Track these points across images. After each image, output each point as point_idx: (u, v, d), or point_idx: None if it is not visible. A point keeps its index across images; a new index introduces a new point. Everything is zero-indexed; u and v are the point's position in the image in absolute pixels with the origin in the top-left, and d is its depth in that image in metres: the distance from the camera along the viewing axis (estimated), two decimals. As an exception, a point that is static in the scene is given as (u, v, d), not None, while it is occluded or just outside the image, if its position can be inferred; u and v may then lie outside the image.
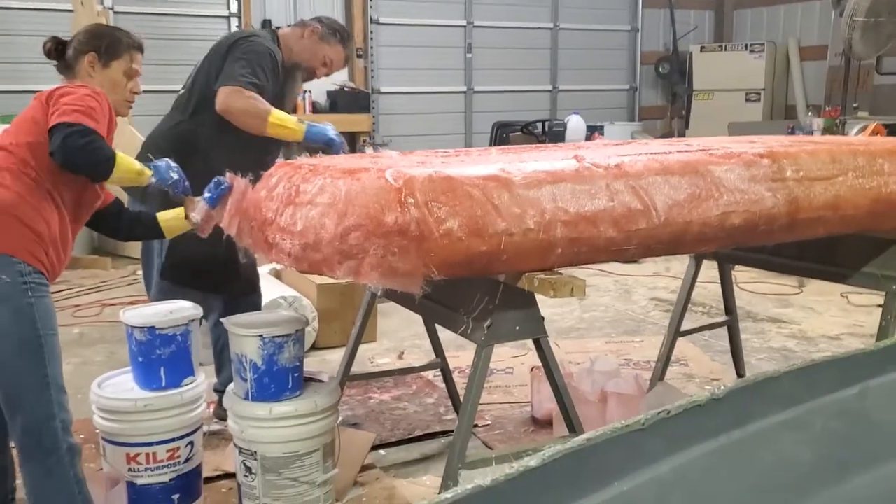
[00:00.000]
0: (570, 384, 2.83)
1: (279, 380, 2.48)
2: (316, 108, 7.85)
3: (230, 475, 2.78)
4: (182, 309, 2.66)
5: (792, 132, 6.76)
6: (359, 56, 8.33)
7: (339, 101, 7.93)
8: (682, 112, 9.88)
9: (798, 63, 9.31)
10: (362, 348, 3.55)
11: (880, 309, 2.97)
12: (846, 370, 1.10)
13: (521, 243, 2.01)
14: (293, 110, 3.47)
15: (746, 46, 9.36)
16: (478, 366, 2.25)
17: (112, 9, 7.02)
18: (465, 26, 8.90)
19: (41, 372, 2.10)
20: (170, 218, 2.52)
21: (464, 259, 1.95)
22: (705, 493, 0.89)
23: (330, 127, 3.08)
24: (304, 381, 2.59)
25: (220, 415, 3.26)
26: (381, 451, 3.18)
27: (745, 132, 5.57)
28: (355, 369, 3.22)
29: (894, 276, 2.85)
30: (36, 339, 2.09)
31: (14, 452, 2.65)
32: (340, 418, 2.72)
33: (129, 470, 2.55)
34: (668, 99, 10.23)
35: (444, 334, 3.23)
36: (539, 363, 2.51)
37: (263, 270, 4.89)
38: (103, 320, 4.92)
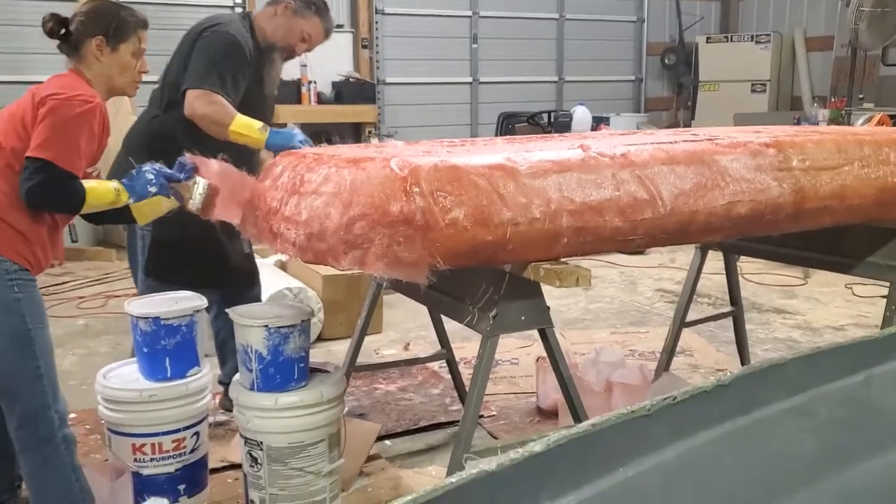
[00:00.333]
0: (575, 375, 2.83)
1: (285, 370, 2.49)
2: (321, 99, 7.84)
3: (236, 466, 2.79)
4: (187, 299, 2.67)
5: (797, 123, 6.74)
6: (364, 46, 8.31)
7: (344, 92, 7.91)
8: (688, 103, 9.84)
9: (804, 54, 9.25)
10: (368, 339, 3.55)
11: (885, 300, 2.97)
12: (851, 357, 1.10)
13: (527, 233, 2.00)
14: (275, 93, 3.36)
15: (752, 37, 9.31)
16: (483, 356, 2.25)
17: None
18: (470, 16, 8.87)
19: (33, 364, 2.13)
20: (142, 204, 2.42)
21: (469, 249, 1.95)
22: (711, 479, 0.89)
23: (296, 132, 3.01)
24: (310, 372, 2.59)
25: (226, 406, 3.27)
26: (387, 442, 3.19)
27: (750, 123, 5.55)
28: (361, 360, 3.23)
29: (900, 266, 2.84)
30: (25, 332, 2.13)
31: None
32: (346, 409, 2.72)
33: (135, 460, 2.56)
34: (674, 90, 10.19)
35: (450, 325, 3.24)
36: (544, 354, 2.51)
37: (268, 261, 4.91)
38: (108, 312, 4.94)
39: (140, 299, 2.70)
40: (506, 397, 3.66)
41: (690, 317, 3.54)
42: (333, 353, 4.08)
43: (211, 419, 2.92)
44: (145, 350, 2.58)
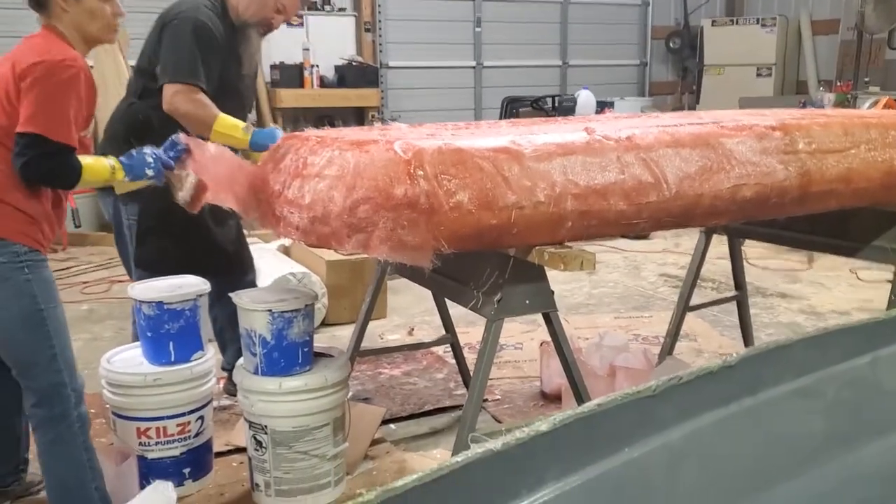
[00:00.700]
0: (579, 359, 2.83)
1: (289, 355, 2.49)
2: (324, 83, 7.81)
3: (241, 450, 2.80)
4: (190, 284, 2.67)
5: (803, 107, 6.70)
6: (367, 30, 8.27)
7: (347, 76, 7.88)
8: (693, 87, 9.79)
9: (810, 37, 9.19)
10: (372, 324, 3.56)
11: (889, 284, 2.96)
12: (858, 339, 1.10)
13: (532, 216, 1.99)
14: (255, 72, 3.29)
15: (758, 20, 9.24)
16: (488, 340, 2.25)
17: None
18: (473, 0, 8.82)
19: (47, 344, 2.14)
20: (120, 178, 2.37)
21: (474, 232, 1.94)
22: (716, 459, 0.89)
23: (279, 132, 2.94)
24: (314, 357, 2.60)
25: (230, 390, 3.27)
26: (392, 426, 3.19)
27: (756, 107, 5.52)
28: (365, 345, 3.23)
29: (906, 250, 2.83)
30: (38, 313, 2.14)
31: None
32: (351, 393, 2.73)
33: (140, 444, 2.57)
34: (679, 74, 10.13)
35: (454, 310, 3.23)
36: (548, 338, 2.51)
37: (272, 246, 4.91)
38: (112, 296, 4.95)
39: (143, 284, 2.70)
40: (510, 381, 3.67)
41: (694, 301, 3.53)
42: (337, 337, 4.08)
43: (215, 403, 2.93)
44: (149, 334, 2.59)
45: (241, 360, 2.61)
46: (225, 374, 3.34)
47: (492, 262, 2.24)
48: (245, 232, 3.66)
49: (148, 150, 2.34)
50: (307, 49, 7.67)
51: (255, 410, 2.51)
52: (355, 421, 2.76)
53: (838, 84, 7.65)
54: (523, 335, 4.19)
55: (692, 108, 9.26)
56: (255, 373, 2.51)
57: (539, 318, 2.41)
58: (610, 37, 9.73)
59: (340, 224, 1.93)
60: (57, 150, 2.11)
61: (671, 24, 10.07)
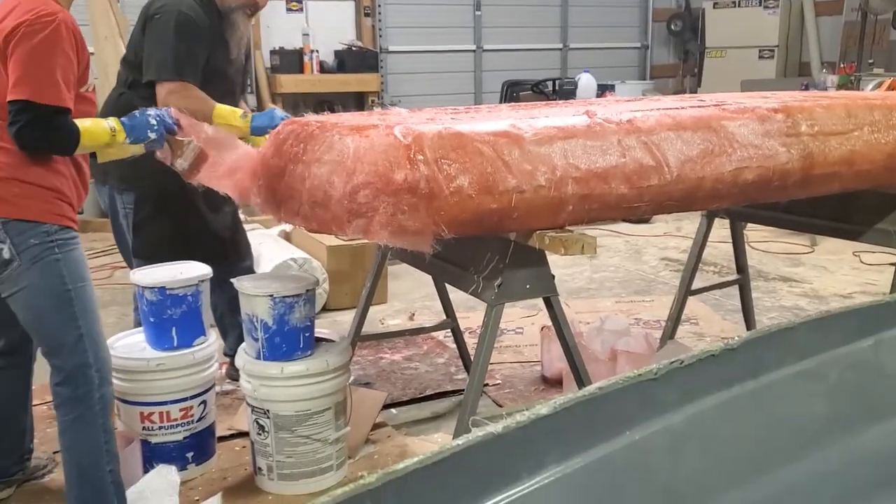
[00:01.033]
0: (580, 343, 2.83)
1: (290, 339, 2.50)
2: (323, 68, 7.78)
3: (243, 434, 2.81)
4: (192, 269, 2.67)
5: (806, 89, 6.66)
6: (366, 15, 8.22)
7: (347, 61, 7.85)
8: (695, 70, 9.73)
9: (813, 18, 9.12)
10: (373, 310, 3.56)
11: (893, 267, 2.95)
12: (861, 322, 1.09)
13: (532, 200, 1.99)
14: (244, 56, 3.22)
15: (760, 2, 9.17)
16: (488, 324, 2.25)
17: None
18: (473, -17, 8.77)
19: (74, 324, 2.13)
20: (121, 140, 2.25)
21: (474, 217, 1.94)
22: (718, 442, 0.89)
23: (276, 112, 2.93)
24: (316, 342, 2.60)
25: (233, 375, 3.28)
26: (393, 410, 3.20)
27: (758, 90, 5.49)
28: (366, 330, 3.23)
29: (908, 233, 2.83)
30: (66, 293, 2.12)
31: (35, 412, 2.70)
32: (352, 378, 2.73)
33: (144, 429, 2.58)
34: (681, 57, 10.07)
35: (455, 296, 3.24)
36: (549, 323, 2.50)
37: (272, 231, 4.90)
38: (114, 282, 4.95)
39: (145, 269, 2.70)
40: (510, 366, 3.67)
41: (696, 285, 3.53)
42: (339, 323, 4.09)
43: (218, 388, 2.94)
44: (152, 320, 2.59)
45: (243, 345, 2.61)
46: (227, 359, 3.35)
47: (492, 247, 2.24)
48: (244, 217, 3.66)
49: (151, 111, 2.29)
50: (307, 34, 7.63)
51: (257, 395, 2.52)
52: (357, 405, 2.77)
53: (842, 66, 7.59)
54: (524, 320, 4.20)
55: (694, 91, 9.21)
56: (257, 358, 2.52)
57: (540, 302, 2.41)
58: (611, 19, 9.67)
59: (341, 209, 1.92)
60: (48, 113, 2.03)
61: (672, 6, 10.01)
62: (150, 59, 2.90)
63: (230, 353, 3.29)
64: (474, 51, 8.94)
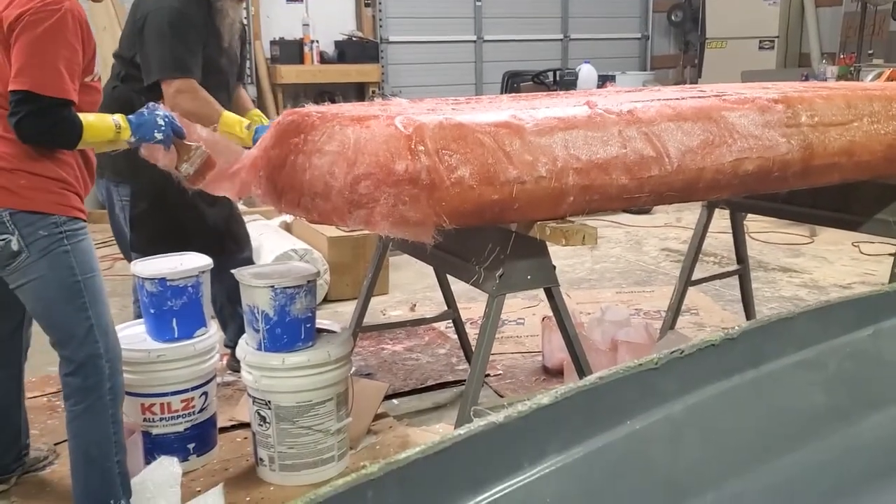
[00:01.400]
0: (580, 334, 2.84)
1: (291, 330, 2.50)
2: (324, 59, 7.76)
3: (245, 425, 2.81)
4: (192, 260, 2.68)
5: (806, 80, 6.65)
6: (367, 5, 8.20)
7: (347, 52, 7.83)
8: (695, 61, 9.70)
9: (813, 9, 9.09)
10: (374, 301, 3.56)
11: (892, 258, 2.95)
12: (860, 311, 1.10)
13: (533, 191, 1.99)
14: (237, 42, 3.17)
15: (761, -7, 9.15)
16: (490, 315, 2.25)
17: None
18: (473, -27, 8.74)
19: (84, 315, 2.13)
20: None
21: (475, 208, 1.94)
22: (718, 432, 0.89)
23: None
24: (317, 332, 2.61)
25: (234, 366, 3.29)
26: (395, 401, 3.21)
27: (758, 81, 5.48)
28: (367, 321, 3.24)
29: (908, 223, 2.83)
30: (75, 284, 2.11)
31: (35, 404, 2.70)
32: (353, 369, 2.74)
33: (145, 420, 2.59)
34: (681, 48, 10.04)
35: (456, 287, 3.24)
36: (550, 314, 2.51)
37: (273, 223, 4.90)
38: (114, 274, 4.95)
39: (146, 260, 2.70)
40: (512, 357, 3.68)
41: (696, 276, 3.53)
42: (340, 314, 4.09)
43: (219, 379, 2.95)
44: (152, 311, 2.60)
45: (244, 337, 2.62)
46: (228, 350, 3.35)
47: (493, 238, 2.24)
48: (244, 209, 3.65)
49: (160, 111, 2.23)
50: (307, 24, 7.60)
51: (258, 386, 2.53)
52: (358, 396, 2.78)
53: (842, 56, 7.58)
54: (525, 310, 4.20)
55: (694, 81, 9.19)
56: (259, 349, 2.52)
57: (541, 293, 2.42)
58: (611, 10, 9.64)
59: (342, 200, 1.93)
60: (49, 105, 1.99)
61: (673, -4, 9.98)
62: (150, 59, 2.88)
63: (231, 345, 3.30)
64: (475, 41, 8.91)
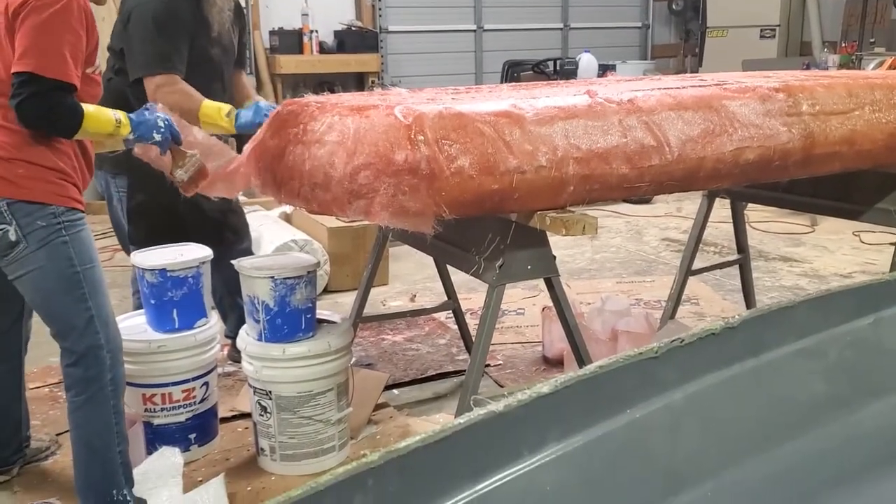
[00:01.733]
0: (581, 324, 2.84)
1: (292, 321, 2.50)
2: (323, 49, 7.73)
3: (246, 415, 2.82)
4: (192, 251, 2.68)
5: (807, 69, 6.63)
6: (367, -6, 8.18)
7: (347, 41, 7.80)
8: (696, 50, 9.68)
9: (815, -3, 9.07)
10: (374, 291, 3.56)
11: (893, 247, 2.95)
12: (860, 300, 1.10)
13: (533, 181, 1.99)
14: (227, 30, 3.09)
15: (762, -19, 9.11)
16: (490, 305, 2.25)
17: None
18: (473, -38, 8.71)
19: (84, 306, 2.12)
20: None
21: (475, 198, 1.94)
22: (719, 420, 0.89)
23: (262, 105, 2.80)
24: (318, 323, 2.61)
25: (234, 357, 3.29)
26: (395, 391, 3.22)
27: (759, 70, 5.46)
28: (368, 311, 3.24)
29: (909, 212, 2.82)
30: (74, 275, 2.11)
31: (36, 395, 2.71)
32: (354, 359, 2.74)
33: (146, 410, 2.59)
34: (682, 37, 10.01)
35: (456, 277, 3.24)
36: (550, 304, 2.51)
37: (273, 213, 4.90)
38: (115, 265, 4.95)
39: (146, 251, 2.70)
40: (512, 347, 3.68)
41: (696, 265, 3.53)
42: (340, 304, 4.10)
43: (220, 370, 2.95)
44: (152, 302, 2.60)
45: (244, 327, 2.62)
46: (228, 340, 3.36)
47: (493, 228, 2.24)
48: (244, 199, 3.64)
49: (161, 113, 2.23)
50: (306, 14, 7.58)
51: (259, 376, 2.53)
52: (359, 386, 2.78)
53: (843, 45, 7.55)
54: (525, 300, 4.20)
55: (695, 70, 9.16)
56: (259, 339, 2.53)
57: (541, 283, 2.42)
58: (612, -1, 9.62)
59: (341, 190, 1.92)
60: (52, 87, 1.98)
61: (674, -15, 9.94)
62: (134, 55, 2.87)
63: (231, 335, 3.30)
64: (475, 31, 8.88)
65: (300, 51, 7.59)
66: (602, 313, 3.32)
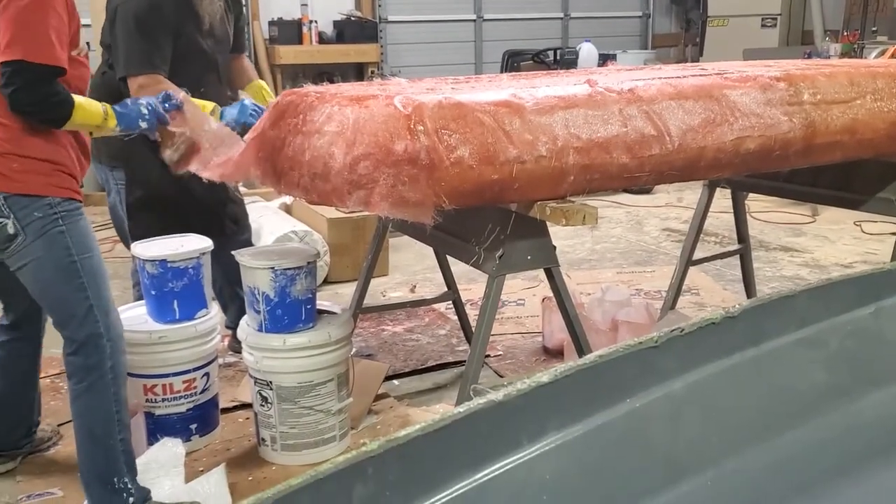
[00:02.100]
0: (581, 314, 2.84)
1: (292, 312, 2.50)
2: (322, 39, 7.72)
3: (246, 406, 2.83)
4: (193, 242, 2.67)
5: (809, 58, 6.60)
6: (366, -16, 8.15)
7: (346, 31, 7.78)
8: (696, 39, 9.65)
9: (816, -14, 9.02)
10: (374, 282, 3.56)
11: (894, 237, 2.95)
12: (861, 290, 1.09)
13: (533, 171, 1.98)
14: (221, 23, 3.05)
15: (763, -30, 9.07)
16: (489, 296, 2.25)
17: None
18: (473, -49, 8.67)
19: (83, 295, 2.13)
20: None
21: (475, 188, 1.93)
22: (719, 410, 0.89)
23: (247, 104, 2.76)
24: (318, 314, 2.61)
25: (235, 348, 3.30)
26: (395, 381, 3.22)
27: (760, 59, 5.45)
28: (368, 302, 3.24)
29: (910, 202, 2.82)
30: (72, 264, 2.12)
31: (43, 385, 2.72)
32: (354, 350, 2.74)
33: (147, 401, 2.60)
34: (682, 26, 9.98)
35: (456, 268, 3.24)
36: (550, 295, 2.51)
37: (273, 204, 4.90)
38: (116, 256, 4.95)
39: (146, 242, 2.69)
40: (512, 337, 3.68)
41: (697, 255, 3.53)
42: (340, 295, 4.09)
43: (220, 360, 2.95)
44: (153, 293, 2.60)
45: (245, 318, 2.62)
46: (229, 331, 3.36)
47: (493, 218, 2.23)
48: (243, 190, 3.62)
49: (143, 100, 2.26)
50: (305, 4, 7.56)
51: (260, 367, 2.53)
52: (359, 377, 2.79)
53: (845, 34, 7.53)
54: (525, 291, 4.20)
55: (696, 60, 9.13)
56: (259, 330, 2.53)
57: (541, 273, 2.41)
58: (612, -13, 9.58)
59: (341, 181, 1.92)
60: (44, 73, 1.99)
61: (674, -26, 9.90)
62: (118, 55, 2.87)
63: (232, 326, 3.30)
64: (475, 20, 8.86)
65: (299, 41, 7.58)
66: (602, 303, 3.32)
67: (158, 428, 2.59)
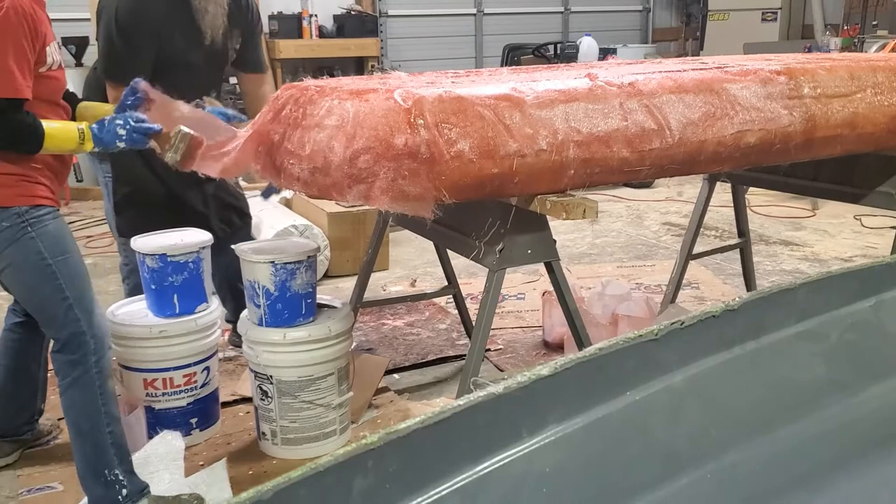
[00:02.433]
0: (581, 308, 2.84)
1: (292, 306, 2.50)
2: (322, 33, 7.70)
3: (247, 400, 2.83)
4: (193, 236, 2.67)
5: (809, 52, 6.59)
6: (366, -22, 8.13)
7: (346, 26, 7.77)
8: (697, 33, 9.63)
9: (817, -20, 9.01)
10: (375, 276, 3.56)
11: (894, 231, 2.95)
12: (861, 282, 1.09)
13: (534, 165, 1.98)
14: (223, 39, 2.99)
15: (764, -36, 9.05)
16: (490, 290, 2.25)
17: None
18: (473, -55, 8.66)
19: (61, 296, 2.15)
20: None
21: (475, 182, 1.93)
22: (719, 403, 0.89)
23: (223, 112, 2.59)
24: (318, 308, 2.61)
25: (235, 342, 3.30)
26: (395, 376, 3.22)
27: (760, 53, 5.44)
28: (368, 296, 3.24)
29: (910, 195, 2.82)
30: (47, 268, 2.14)
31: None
32: (354, 344, 2.74)
33: (147, 395, 2.60)
34: (683, 20, 9.97)
35: (456, 262, 3.24)
36: (551, 289, 2.51)
37: (273, 200, 4.88)
38: (115, 250, 4.95)
39: (147, 236, 2.69)
40: (512, 331, 3.69)
41: (697, 249, 3.53)
42: (340, 289, 4.10)
43: (221, 354, 2.96)
44: (153, 287, 2.60)
45: (245, 312, 2.62)
46: (229, 325, 3.36)
47: (493, 212, 2.23)
48: (243, 184, 3.61)
49: (121, 119, 2.18)
50: (305, -2, 7.55)
51: (260, 361, 2.53)
52: (359, 371, 2.79)
53: (845, 28, 7.51)
54: (525, 285, 4.20)
55: (696, 54, 9.12)
56: (260, 324, 2.53)
57: (541, 267, 2.41)
58: (612, -19, 9.57)
59: (341, 175, 1.91)
60: (4, 106, 1.98)
61: (675, -32, 9.89)
62: (99, 56, 2.88)
63: (232, 320, 3.30)
64: (475, 14, 8.84)
65: (300, 35, 7.56)
66: (602, 298, 3.32)
67: (158, 422, 2.59)
